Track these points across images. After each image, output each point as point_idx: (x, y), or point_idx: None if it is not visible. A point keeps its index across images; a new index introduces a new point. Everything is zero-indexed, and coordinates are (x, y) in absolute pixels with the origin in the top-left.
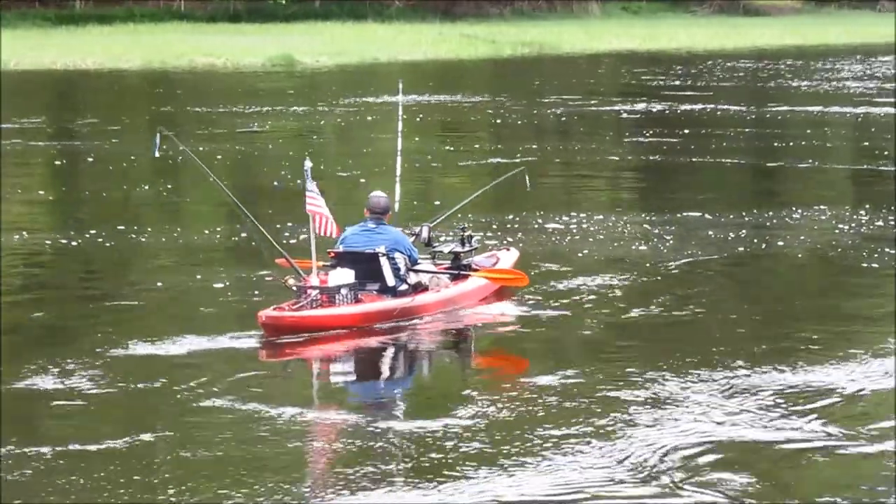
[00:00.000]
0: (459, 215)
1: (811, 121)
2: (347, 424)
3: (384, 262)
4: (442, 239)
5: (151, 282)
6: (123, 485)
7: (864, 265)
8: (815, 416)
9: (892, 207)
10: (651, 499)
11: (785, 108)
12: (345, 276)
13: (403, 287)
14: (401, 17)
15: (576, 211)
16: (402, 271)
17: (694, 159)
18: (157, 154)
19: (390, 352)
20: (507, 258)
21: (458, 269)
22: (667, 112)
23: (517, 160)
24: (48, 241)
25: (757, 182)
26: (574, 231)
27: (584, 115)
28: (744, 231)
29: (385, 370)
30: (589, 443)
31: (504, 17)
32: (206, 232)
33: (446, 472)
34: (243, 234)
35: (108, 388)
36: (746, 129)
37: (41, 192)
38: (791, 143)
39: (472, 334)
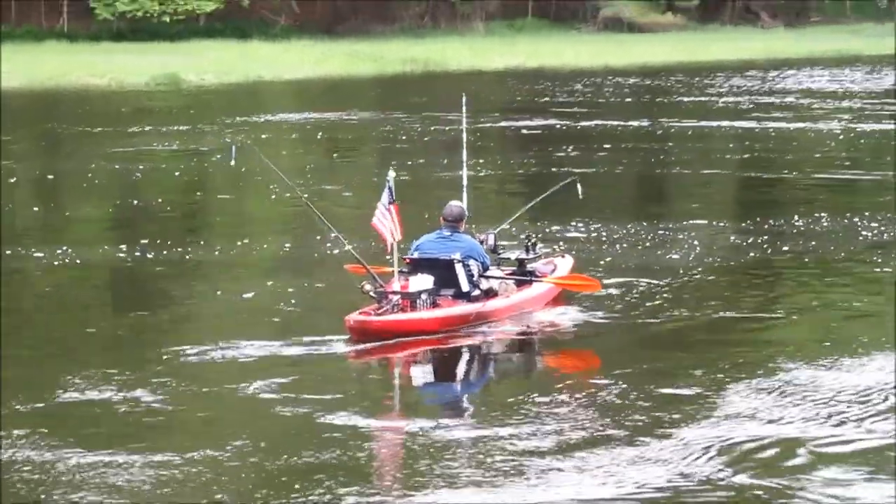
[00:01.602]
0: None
1: (698, 134)
2: (425, 428)
3: (459, 268)
4: (504, 245)
5: (212, 293)
6: (201, 489)
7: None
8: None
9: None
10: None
11: (673, 122)
12: (425, 281)
13: (476, 293)
14: (285, 35)
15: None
16: (476, 277)
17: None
18: (233, 162)
19: (469, 355)
20: (564, 264)
21: (530, 275)
22: (562, 127)
23: (445, 175)
24: None
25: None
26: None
27: (483, 132)
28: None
29: (464, 374)
30: (650, 443)
31: (388, 35)
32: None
33: (513, 475)
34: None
35: (188, 394)
36: (641, 144)
37: None
38: (680, 156)
39: (541, 337)
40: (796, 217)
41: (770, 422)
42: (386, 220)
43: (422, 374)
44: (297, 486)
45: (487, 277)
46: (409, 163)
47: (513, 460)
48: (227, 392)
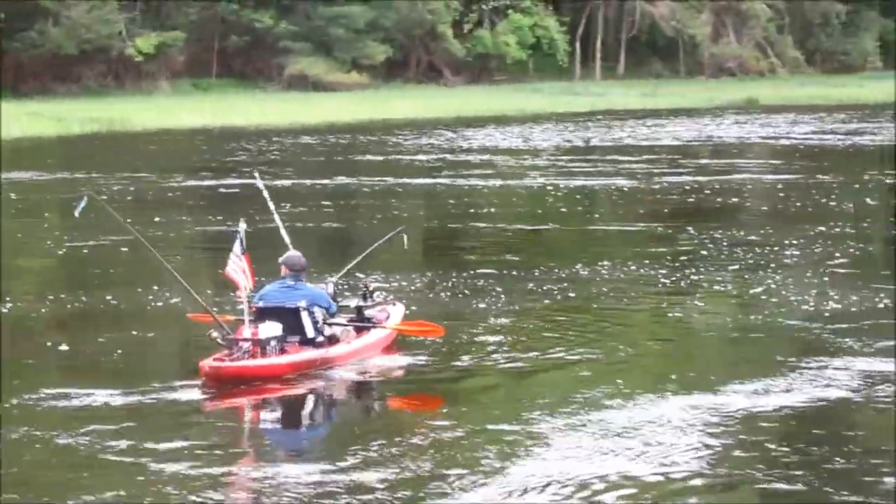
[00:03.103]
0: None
1: (386, 191)
2: (276, 473)
3: (305, 316)
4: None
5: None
6: None
7: None
8: None
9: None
10: None
11: (362, 178)
12: (274, 328)
13: (320, 339)
14: None
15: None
16: (320, 324)
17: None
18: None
19: (316, 399)
20: (396, 312)
21: (372, 323)
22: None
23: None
24: None
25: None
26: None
27: (178, 190)
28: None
29: (317, 417)
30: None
31: (71, 94)
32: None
33: None
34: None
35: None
36: (324, 201)
37: None
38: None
39: (382, 380)
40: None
41: (588, 458)
42: (238, 269)
43: (273, 418)
44: None
45: (331, 325)
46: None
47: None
48: (60, 440)
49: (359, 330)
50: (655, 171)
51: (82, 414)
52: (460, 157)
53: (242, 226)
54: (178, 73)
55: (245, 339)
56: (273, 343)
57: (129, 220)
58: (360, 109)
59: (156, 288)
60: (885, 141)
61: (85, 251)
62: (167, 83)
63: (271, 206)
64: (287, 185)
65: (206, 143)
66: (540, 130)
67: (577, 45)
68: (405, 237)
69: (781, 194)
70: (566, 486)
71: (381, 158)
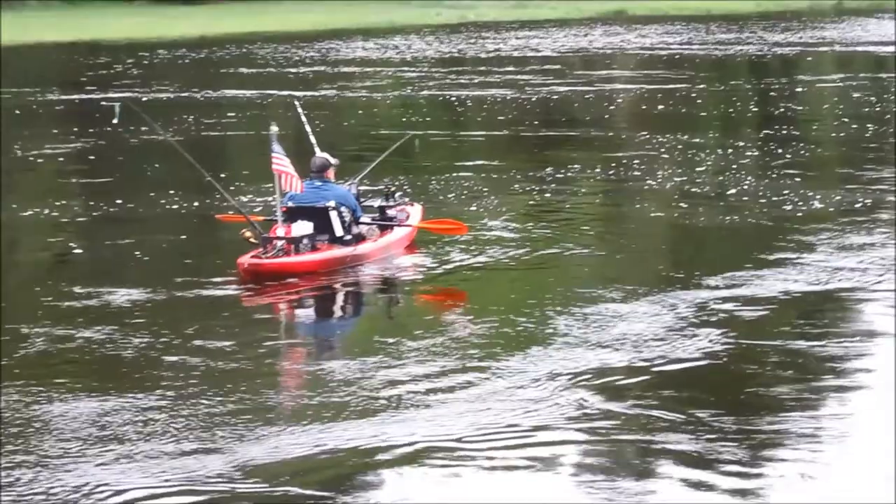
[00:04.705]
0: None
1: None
2: (315, 365)
3: (334, 215)
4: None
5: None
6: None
7: None
8: None
9: None
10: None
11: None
12: (305, 227)
13: (348, 237)
14: None
15: None
16: (348, 223)
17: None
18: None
19: (347, 295)
20: (415, 212)
21: (399, 222)
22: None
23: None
24: None
25: None
26: None
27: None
28: None
29: (348, 312)
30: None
31: None
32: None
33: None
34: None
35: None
36: (230, 113)
37: None
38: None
39: (411, 276)
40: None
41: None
42: (285, 161)
43: (308, 314)
44: (196, 426)
45: (360, 224)
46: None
47: (382, 395)
48: (118, 338)
49: (382, 228)
50: (534, 81)
51: (112, 311)
52: (338, 70)
53: (274, 129)
54: None
55: (279, 238)
56: (306, 241)
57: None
58: (228, 24)
59: (172, 192)
60: (759, 51)
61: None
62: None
63: (302, 115)
64: (171, 98)
65: (75, 58)
66: (409, 43)
67: None
68: (416, 142)
69: (660, 102)
70: (562, 376)
71: (254, 71)
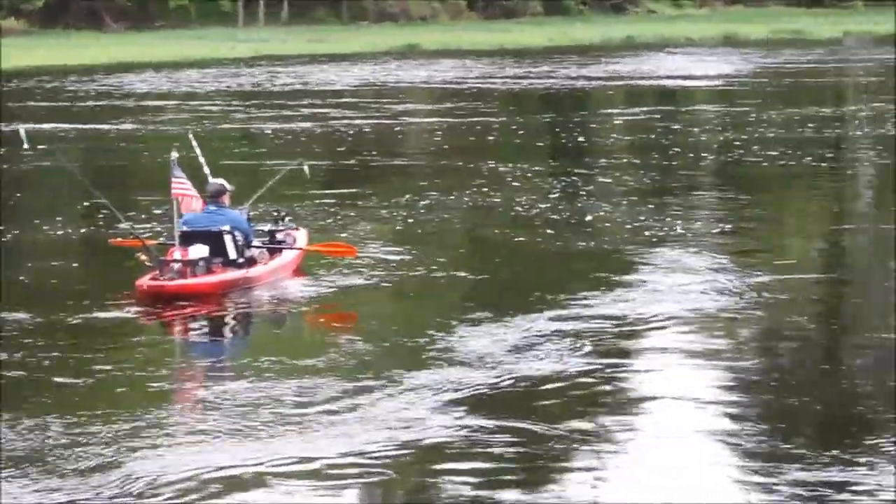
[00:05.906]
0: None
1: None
2: (209, 387)
3: (228, 239)
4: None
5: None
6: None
7: None
8: None
9: None
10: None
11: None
12: (202, 250)
13: (241, 260)
14: None
15: None
16: (241, 247)
17: None
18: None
19: (240, 316)
20: (301, 235)
21: (287, 245)
22: None
23: None
24: None
25: None
26: None
27: None
28: None
29: (241, 333)
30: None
31: None
32: None
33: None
34: None
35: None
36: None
37: None
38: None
39: (301, 297)
40: None
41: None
42: (187, 185)
43: (203, 335)
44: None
45: (251, 247)
46: None
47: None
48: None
49: (272, 252)
50: (332, 114)
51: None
52: (126, 103)
53: (175, 154)
54: None
55: (176, 261)
56: (201, 263)
57: None
58: (18, 57)
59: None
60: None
61: None
62: None
63: (195, 144)
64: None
65: None
66: (201, 76)
67: None
68: (305, 168)
69: (469, 133)
70: (460, 390)
71: (48, 104)
